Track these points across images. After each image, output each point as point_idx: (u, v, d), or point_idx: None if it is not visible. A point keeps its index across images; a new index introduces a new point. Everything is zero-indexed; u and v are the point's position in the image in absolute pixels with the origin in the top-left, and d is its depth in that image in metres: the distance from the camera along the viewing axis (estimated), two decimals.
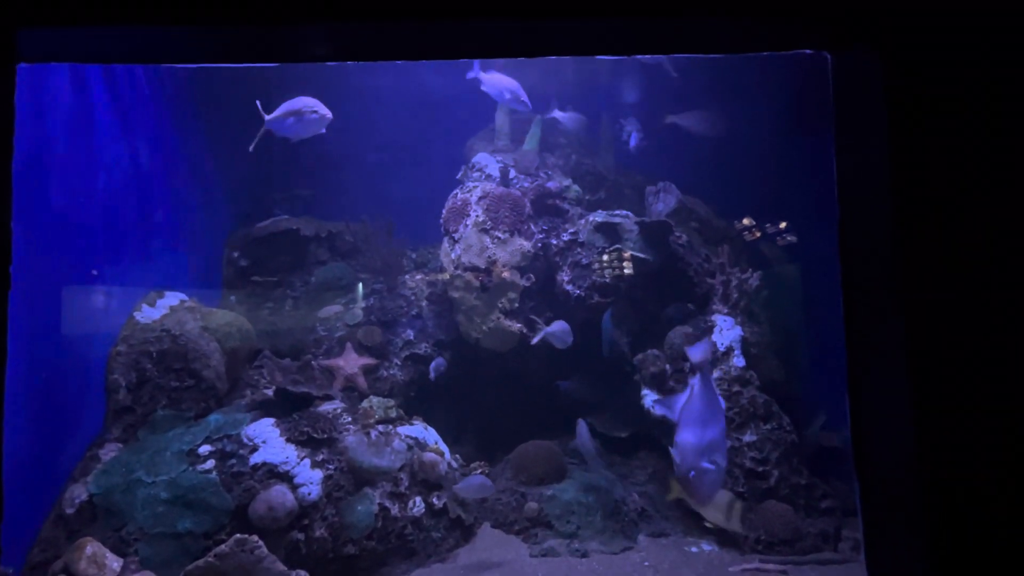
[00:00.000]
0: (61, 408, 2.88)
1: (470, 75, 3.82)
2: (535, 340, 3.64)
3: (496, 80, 3.80)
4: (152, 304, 3.48)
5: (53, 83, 2.86)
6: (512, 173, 4.31)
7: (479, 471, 3.71)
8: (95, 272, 3.09)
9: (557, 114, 4.26)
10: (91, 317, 3.16)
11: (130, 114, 3.55)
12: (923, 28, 1.44)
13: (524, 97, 3.84)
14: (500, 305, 3.91)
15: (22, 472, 2.58)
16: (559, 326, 3.62)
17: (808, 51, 1.68)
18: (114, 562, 2.47)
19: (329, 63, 1.64)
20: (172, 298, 3.60)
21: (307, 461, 2.96)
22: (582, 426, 3.49)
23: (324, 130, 3.26)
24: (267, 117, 3.22)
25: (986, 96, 1.43)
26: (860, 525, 1.67)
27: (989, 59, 1.43)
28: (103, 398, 3.13)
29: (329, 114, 3.25)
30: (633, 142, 4.50)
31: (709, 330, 2.10)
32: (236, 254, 4.50)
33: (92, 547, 2.45)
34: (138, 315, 3.38)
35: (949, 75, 1.44)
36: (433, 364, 3.84)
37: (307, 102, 3.22)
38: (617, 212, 4.10)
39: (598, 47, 1.75)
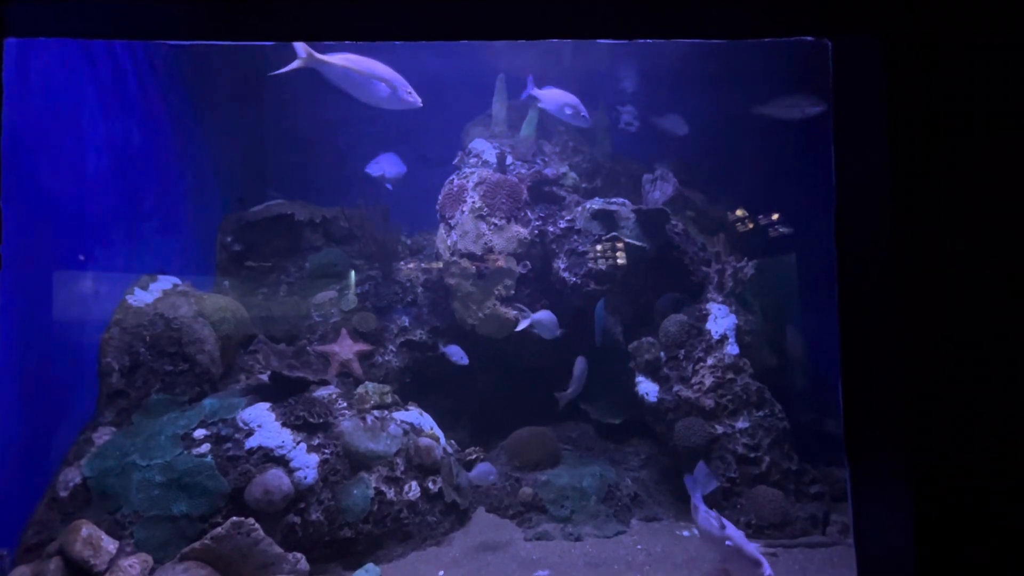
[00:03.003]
0: (53, 391, 2.86)
1: (524, 95, 3.75)
2: (521, 326, 3.66)
3: (554, 95, 3.70)
4: (145, 288, 3.45)
5: (42, 60, 2.80)
6: (509, 159, 4.28)
7: (473, 456, 3.74)
8: (82, 257, 3.04)
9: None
10: (83, 300, 3.13)
11: (121, 95, 3.49)
12: (927, 16, 1.44)
13: (584, 111, 3.71)
14: (496, 292, 3.91)
15: (13, 454, 2.57)
16: (546, 315, 3.63)
17: (809, 38, 1.68)
18: (110, 544, 2.47)
19: (326, 42, 1.62)
20: (165, 282, 3.56)
21: (303, 445, 2.96)
22: (581, 361, 3.55)
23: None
24: (319, 56, 2.70)
25: (990, 87, 1.43)
26: (850, 509, 1.70)
27: (994, 48, 1.43)
28: (96, 382, 3.11)
29: (419, 102, 2.96)
30: (625, 119, 4.46)
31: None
32: (229, 239, 4.46)
33: (87, 529, 2.45)
34: (130, 299, 3.35)
35: (952, 64, 1.44)
36: (452, 350, 3.87)
37: (399, 78, 2.84)
38: (614, 200, 4.09)
39: (598, 31, 1.74)
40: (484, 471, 3.31)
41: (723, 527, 2.33)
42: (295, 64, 2.73)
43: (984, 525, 1.40)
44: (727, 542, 2.29)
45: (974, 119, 1.44)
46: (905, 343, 1.44)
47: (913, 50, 1.45)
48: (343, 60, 2.74)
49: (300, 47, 2.75)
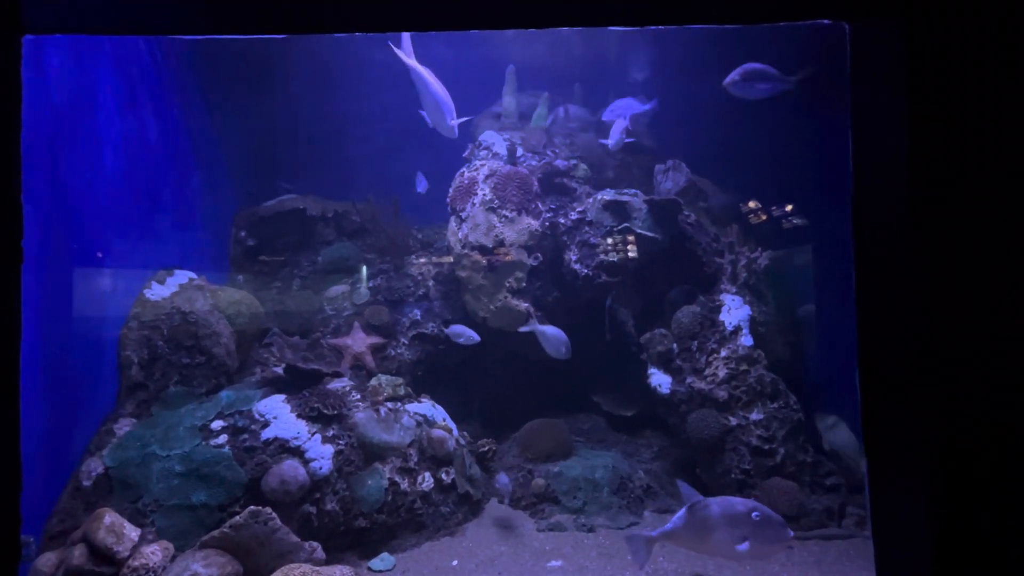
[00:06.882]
0: (75, 384, 2.92)
1: (642, 110, 3.92)
2: (526, 328, 3.59)
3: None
4: (162, 282, 3.50)
5: (59, 58, 2.83)
6: (519, 151, 4.27)
7: (486, 447, 3.76)
8: (100, 254, 3.11)
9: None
10: (102, 295, 3.18)
11: (136, 91, 3.53)
12: None
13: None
14: (507, 284, 3.91)
15: (37, 445, 2.63)
16: (553, 331, 3.46)
17: (826, 21, 1.64)
18: (132, 532, 2.53)
19: (334, 35, 1.62)
20: (181, 276, 3.61)
21: (318, 436, 3.00)
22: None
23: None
24: (415, 63, 3.10)
25: (1015, 72, 1.39)
26: (867, 501, 1.68)
27: (1020, 33, 1.38)
28: (116, 375, 3.17)
29: (456, 135, 3.35)
30: (648, 107, 4.41)
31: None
32: (243, 233, 4.51)
33: (110, 517, 2.51)
34: (148, 293, 3.40)
35: (974, 48, 1.40)
36: (456, 330, 3.85)
37: (453, 108, 3.27)
38: (625, 191, 4.06)
39: (609, 17, 1.71)
40: (503, 482, 3.43)
41: (744, 505, 2.22)
42: (399, 54, 3.09)
43: (1004, 519, 1.38)
44: (754, 514, 2.18)
45: (997, 105, 1.40)
46: (924, 333, 1.42)
47: (935, 34, 1.41)
48: (430, 76, 3.18)
49: (407, 46, 3.12)
